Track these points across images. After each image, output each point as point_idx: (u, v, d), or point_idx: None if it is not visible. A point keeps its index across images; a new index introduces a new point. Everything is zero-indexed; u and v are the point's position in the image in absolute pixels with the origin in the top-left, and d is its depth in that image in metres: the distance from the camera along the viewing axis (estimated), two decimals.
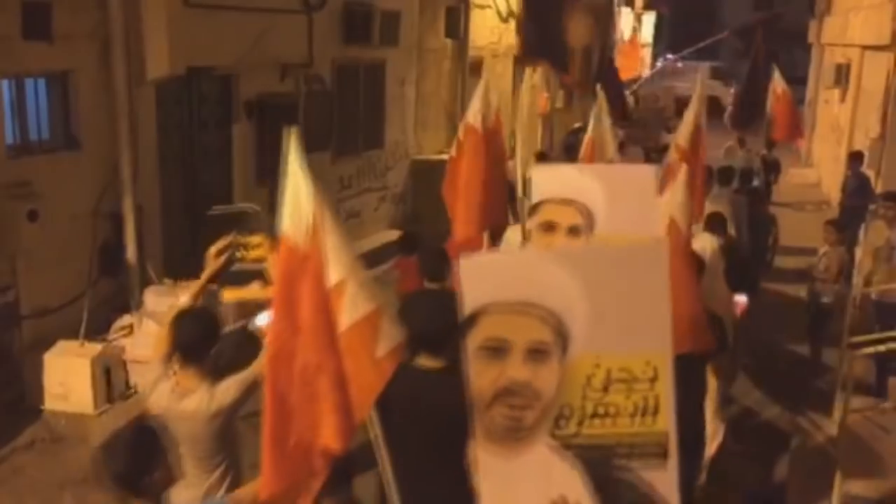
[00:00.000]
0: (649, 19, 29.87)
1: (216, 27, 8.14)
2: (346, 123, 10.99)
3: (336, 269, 2.92)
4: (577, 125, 16.72)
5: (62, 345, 6.66)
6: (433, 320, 3.30)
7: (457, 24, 13.53)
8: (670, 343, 2.67)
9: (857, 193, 10.91)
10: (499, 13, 15.70)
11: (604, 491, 2.67)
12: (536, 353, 2.66)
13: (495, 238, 5.92)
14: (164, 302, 7.11)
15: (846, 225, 8.53)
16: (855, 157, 11.35)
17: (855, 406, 5.66)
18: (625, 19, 27.92)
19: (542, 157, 9.68)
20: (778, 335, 8.44)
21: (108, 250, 7.38)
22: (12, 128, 6.71)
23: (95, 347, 6.65)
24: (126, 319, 7.06)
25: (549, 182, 4.05)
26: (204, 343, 3.71)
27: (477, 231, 5.54)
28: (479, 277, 2.67)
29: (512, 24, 16.49)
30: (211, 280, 4.15)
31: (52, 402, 6.59)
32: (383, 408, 2.91)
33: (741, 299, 6.47)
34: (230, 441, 3.78)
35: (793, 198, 14.83)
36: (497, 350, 2.67)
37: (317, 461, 2.84)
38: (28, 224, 6.54)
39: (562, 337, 2.66)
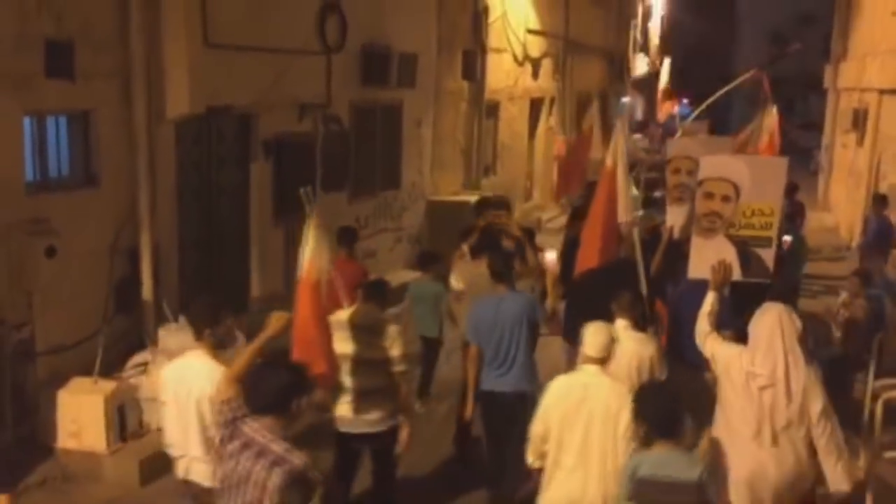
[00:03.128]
0: (664, 64, 30.10)
1: (236, 67, 8.22)
2: (363, 164, 11.03)
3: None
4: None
5: (76, 382, 6.62)
6: None
7: (473, 67, 13.64)
8: (781, 198, 6.05)
9: (878, 237, 10.81)
10: (515, 57, 15.84)
11: (743, 259, 5.89)
12: (725, 198, 5.92)
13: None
14: (179, 340, 7.09)
15: (869, 272, 8.41)
16: (879, 200, 11.26)
17: (884, 451, 5.51)
18: (639, 65, 28.18)
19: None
20: None
21: (125, 287, 7.37)
22: (32, 165, 6.75)
23: (109, 385, 6.60)
24: (141, 357, 7.01)
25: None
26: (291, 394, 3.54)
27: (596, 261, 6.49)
28: (710, 164, 6.07)
29: (528, 67, 16.63)
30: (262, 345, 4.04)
31: (64, 439, 6.52)
32: None
33: None
34: None
35: (811, 242, 14.68)
36: (709, 194, 5.95)
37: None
38: (45, 260, 6.53)
39: (737, 193, 5.89)
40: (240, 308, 8.61)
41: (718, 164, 6.14)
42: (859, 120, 15.77)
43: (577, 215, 8.36)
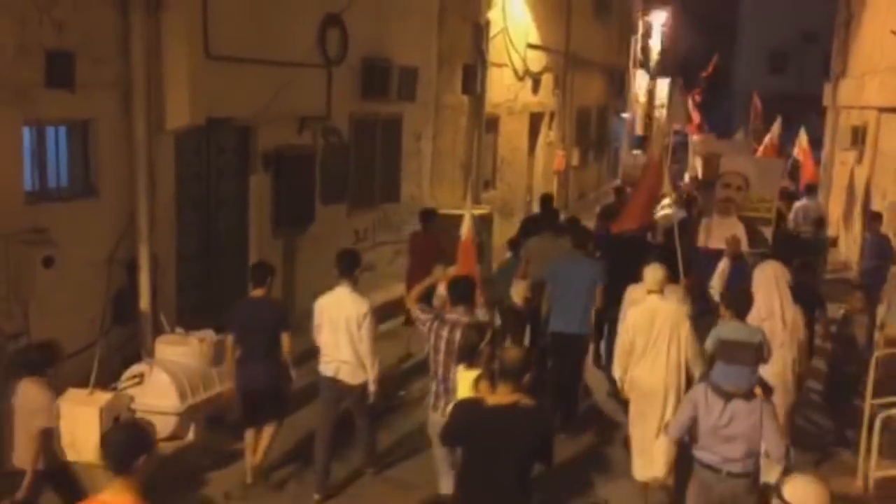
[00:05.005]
0: (663, 83, 30.18)
1: (236, 79, 8.24)
2: (362, 177, 11.04)
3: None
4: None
5: (71, 393, 6.56)
6: None
7: (473, 81, 13.66)
8: (777, 190, 10.50)
9: (876, 254, 10.82)
10: (515, 72, 15.87)
11: (749, 232, 9.36)
12: (738, 188, 9.92)
13: None
14: (176, 351, 7.07)
15: (869, 288, 8.41)
16: (874, 218, 11.28)
17: (882, 468, 5.48)
18: (639, 81, 28.23)
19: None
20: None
21: (122, 298, 7.36)
22: (32, 174, 6.75)
23: (104, 396, 6.55)
24: (137, 368, 6.98)
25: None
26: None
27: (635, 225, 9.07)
28: (728, 161, 10.45)
29: (528, 82, 16.67)
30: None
31: (60, 451, 6.48)
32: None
33: None
34: None
35: None
36: (727, 185, 10.00)
37: None
38: (43, 270, 6.52)
39: (746, 184, 9.94)
40: None
41: (734, 162, 10.37)
42: (858, 137, 15.80)
43: (605, 214, 10.77)
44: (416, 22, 12.00)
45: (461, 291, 5.87)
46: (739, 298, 6.09)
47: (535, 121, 17.82)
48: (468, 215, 7.52)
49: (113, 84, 7.13)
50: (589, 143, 22.27)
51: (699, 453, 5.05)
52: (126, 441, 3.51)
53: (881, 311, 7.70)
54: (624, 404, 6.89)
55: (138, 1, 7.11)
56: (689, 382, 6.12)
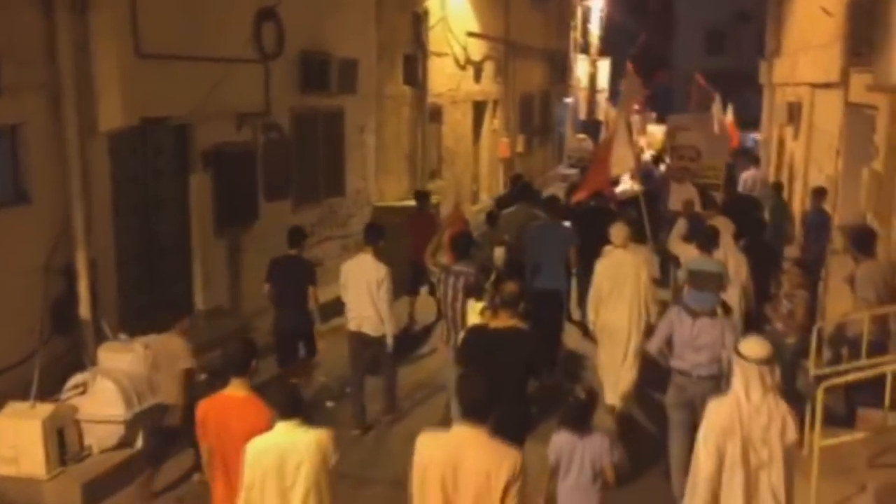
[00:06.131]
0: (604, 65, 30.42)
1: (170, 77, 8.06)
2: (305, 172, 10.92)
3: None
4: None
5: (12, 406, 6.40)
6: None
7: (415, 72, 13.61)
8: (725, 160, 14.17)
9: (818, 229, 11.01)
10: (456, 60, 15.84)
11: (702, 195, 11.53)
12: (692, 159, 13.29)
13: None
14: (120, 358, 6.90)
15: (812, 264, 8.56)
16: (817, 193, 11.44)
17: (825, 438, 5.60)
18: (580, 66, 28.42)
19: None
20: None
21: (61, 306, 7.16)
22: None
23: (47, 408, 6.39)
24: (80, 377, 6.79)
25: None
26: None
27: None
28: (682, 136, 13.78)
29: (470, 71, 16.66)
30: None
31: (2, 466, 6.30)
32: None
33: None
34: None
35: None
36: (681, 156, 13.54)
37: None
38: None
39: (699, 155, 13.24)
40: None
41: (687, 136, 13.26)
42: (794, 113, 16.11)
43: (571, 191, 12.06)
44: (354, 13, 11.89)
45: (463, 245, 7.35)
46: (707, 236, 7.35)
47: (478, 109, 17.84)
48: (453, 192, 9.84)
49: (41, 86, 6.91)
50: (533, 129, 22.37)
51: (675, 362, 6.18)
52: (242, 350, 4.66)
53: (821, 288, 7.85)
54: (594, 343, 8.09)
55: (63, 1, 6.90)
56: (648, 326, 7.33)
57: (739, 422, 4.31)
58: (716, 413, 4.42)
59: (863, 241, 7.66)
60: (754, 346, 4.44)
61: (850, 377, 6.05)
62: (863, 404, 6.64)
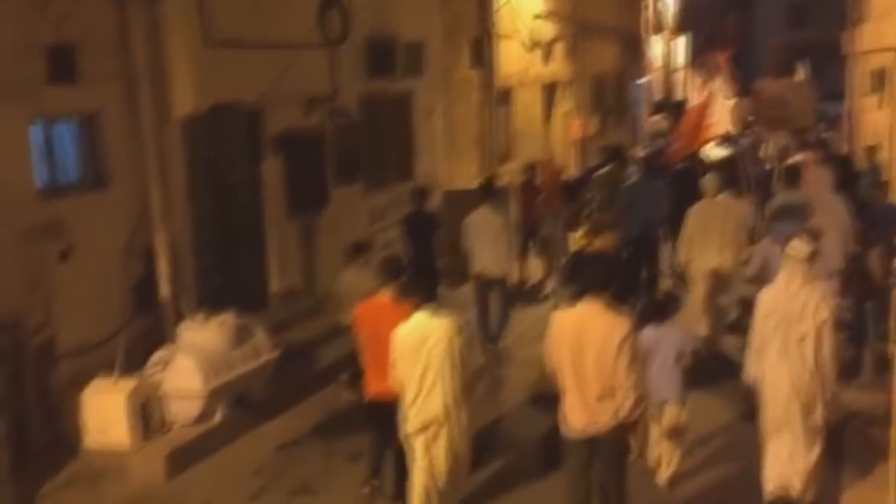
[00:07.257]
0: (680, 43, 29.72)
1: (239, 63, 8.25)
2: (374, 156, 11.03)
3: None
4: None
5: (98, 382, 6.70)
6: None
7: (482, 55, 13.58)
8: (814, 102, 15.79)
9: None
10: (523, 43, 15.73)
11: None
12: (783, 108, 14.87)
13: None
14: (199, 336, 7.14)
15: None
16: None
17: None
18: (655, 45, 27.84)
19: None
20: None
21: (142, 287, 7.45)
22: (43, 170, 6.84)
23: (130, 383, 6.67)
24: (161, 354, 7.07)
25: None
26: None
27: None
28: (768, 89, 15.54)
29: (538, 53, 16.52)
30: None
31: (90, 439, 6.62)
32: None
33: None
34: None
35: None
36: (773, 107, 14.82)
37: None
38: (60, 263, 6.62)
39: (786, 104, 14.86)
40: (260, 304, 8.67)
41: (773, 86, 15.10)
42: (879, 82, 15.48)
43: (655, 155, 13.18)
44: None
45: (567, 192, 10.16)
46: (790, 174, 8.75)
47: (548, 91, 17.67)
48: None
49: (116, 75, 7.20)
50: (607, 110, 22.05)
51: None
52: (394, 264, 5.95)
53: None
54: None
55: None
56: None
57: (777, 305, 5.39)
58: (761, 302, 5.53)
59: None
60: (799, 247, 5.41)
61: None
62: None
